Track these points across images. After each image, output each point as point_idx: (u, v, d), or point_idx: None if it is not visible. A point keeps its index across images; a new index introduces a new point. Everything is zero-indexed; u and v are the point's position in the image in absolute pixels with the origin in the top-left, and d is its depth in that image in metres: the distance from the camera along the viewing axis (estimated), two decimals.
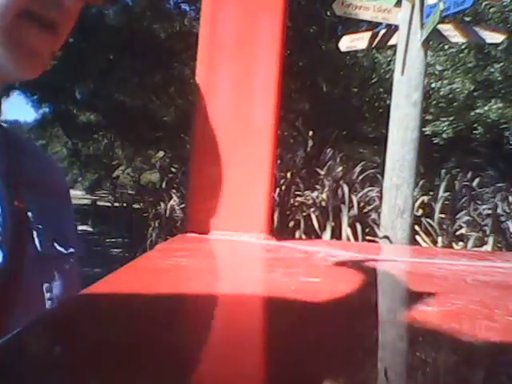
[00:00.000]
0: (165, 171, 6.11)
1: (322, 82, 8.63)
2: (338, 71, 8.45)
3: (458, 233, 4.26)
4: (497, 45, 6.77)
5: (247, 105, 0.84)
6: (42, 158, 0.79)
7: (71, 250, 0.65)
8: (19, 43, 0.51)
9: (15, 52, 0.51)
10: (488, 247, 3.91)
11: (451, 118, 9.42)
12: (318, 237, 4.02)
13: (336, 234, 4.06)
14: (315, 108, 8.30)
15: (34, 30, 0.52)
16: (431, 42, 3.86)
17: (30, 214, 0.59)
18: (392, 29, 3.50)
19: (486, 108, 9.09)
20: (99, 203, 12.77)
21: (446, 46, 8.72)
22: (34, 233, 0.59)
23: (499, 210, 4.51)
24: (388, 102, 3.98)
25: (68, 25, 0.56)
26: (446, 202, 4.50)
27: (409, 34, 3.14)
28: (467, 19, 7.44)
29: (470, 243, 3.99)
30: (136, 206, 7.01)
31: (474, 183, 5.20)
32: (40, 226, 0.60)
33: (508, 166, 8.95)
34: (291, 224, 4.31)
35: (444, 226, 4.24)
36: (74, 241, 0.67)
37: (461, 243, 4.13)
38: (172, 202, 5.04)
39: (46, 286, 0.58)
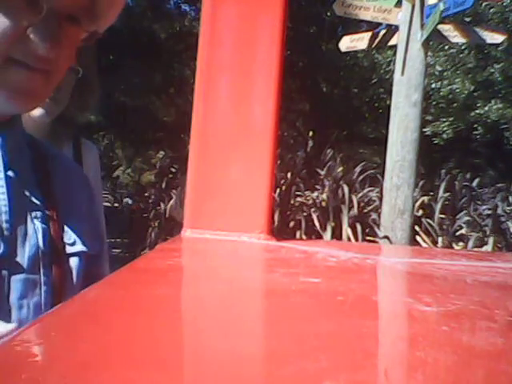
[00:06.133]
0: (165, 171, 6.11)
1: (321, 83, 8.63)
2: (338, 71, 8.45)
3: (458, 233, 4.26)
4: (497, 45, 6.77)
5: (247, 105, 0.84)
6: (67, 162, 0.88)
7: (80, 248, 0.65)
8: (7, 84, 0.54)
9: (4, 91, 0.55)
10: (488, 247, 3.90)
11: (451, 119, 9.42)
12: (319, 237, 4.02)
13: (336, 234, 4.05)
14: (315, 108, 8.29)
15: (21, 73, 0.54)
16: (431, 43, 3.86)
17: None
18: (392, 29, 3.50)
19: (486, 108, 9.09)
20: None
21: (446, 47, 8.72)
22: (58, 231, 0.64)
23: (499, 211, 4.51)
24: (388, 102, 3.98)
25: (60, 69, 0.59)
26: (446, 203, 4.49)
27: (409, 34, 3.14)
28: (467, 19, 7.44)
29: (470, 243, 3.99)
30: (136, 206, 7.02)
31: (474, 183, 5.20)
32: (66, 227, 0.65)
33: (508, 166, 8.95)
34: (291, 224, 4.31)
35: (444, 227, 4.24)
36: (90, 239, 0.68)
37: (461, 243, 4.13)
38: (172, 202, 5.04)
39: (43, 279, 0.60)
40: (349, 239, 3.95)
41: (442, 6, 2.80)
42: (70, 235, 0.65)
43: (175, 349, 0.30)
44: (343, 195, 4.28)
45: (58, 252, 0.62)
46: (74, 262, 0.65)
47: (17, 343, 0.28)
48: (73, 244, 0.65)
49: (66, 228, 0.65)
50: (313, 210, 4.29)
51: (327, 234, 4.06)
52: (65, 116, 1.05)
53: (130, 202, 7.57)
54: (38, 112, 0.96)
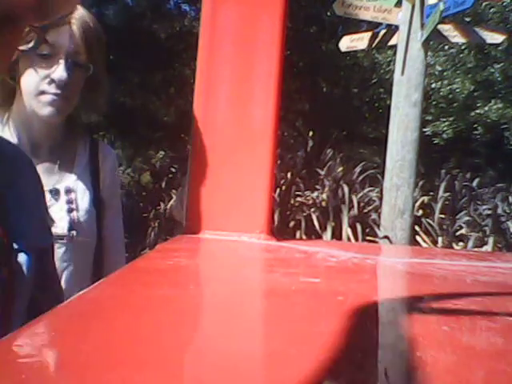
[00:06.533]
0: (165, 171, 6.11)
1: (322, 82, 8.62)
2: (338, 71, 8.44)
3: (458, 233, 4.25)
4: (497, 45, 6.77)
5: (247, 105, 0.84)
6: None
7: (28, 242, 0.62)
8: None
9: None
10: (488, 247, 3.90)
11: (451, 119, 9.42)
12: (319, 237, 4.02)
13: (336, 235, 4.05)
14: (315, 108, 8.29)
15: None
16: (431, 43, 3.86)
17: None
18: (392, 29, 3.50)
19: (486, 108, 9.09)
20: None
21: (446, 47, 8.72)
22: None
23: (499, 211, 4.51)
24: (388, 102, 3.97)
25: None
26: (446, 203, 4.49)
27: (409, 34, 3.13)
28: (467, 19, 7.44)
29: (470, 243, 3.99)
30: (136, 206, 7.01)
31: (474, 183, 5.20)
32: None
33: (508, 166, 8.95)
34: (291, 224, 4.31)
35: (444, 227, 4.24)
36: (37, 232, 0.67)
37: (461, 243, 4.13)
38: (172, 202, 5.04)
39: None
40: (349, 239, 3.95)
41: (441, 6, 2.80)
42: (16, 229, 0.61)
43: (175, 349, 0.30)
44: (343, 195, 4.28)
45: (3, 248, 0.59)
46: (22, 257, 0.62)
47: (17, 343, 0.28)
48: (19, 238, 0.61)
49: (12, 222, 0.61)
50: (313, 209, 4.29)
51: (327, 234, 4.05)
52: (75, 115, 1.02)
53: (129, 201, 7.57)
54: (46, 111, 0.93)
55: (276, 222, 4.13)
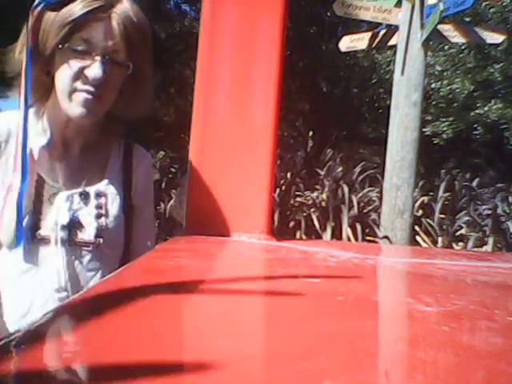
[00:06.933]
0: (165, 171, 6.10)
1: (322, 82, 8.62)
2: (338, 71, 8.44)
3: (458, 233, 4.25)
4: (497, 45, 6.77)
5: (247, 105, 0.84)
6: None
7: None
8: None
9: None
10: (488, 247, 3.90)
11: (451, 119, 9.42)
12: (319, 237, 4.02)
13: (336, 235, 4.05)
14: (315, 108, 8.29)
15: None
16: (431, 43, 3.86)
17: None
18: (392, 29, 3.50)
19: (486, 108, 9.10)
20: None
21: (446, 47, 8.73)
22: None
23: (499, 211, 4.51)
24: (388, 102, 3.97)
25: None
26: (446, 203, 4.49)
27: (409, 34, 3.13)
28: (467, 19, 7.44)
29: (470, 243, 3.99)
30: None
31: (474, 183, 5.19)
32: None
33: (508, 166, 8.95)
34: (291, 224, 4.31)
35: (444, 227, 4.24)
36: None
37: (461, 243, 4.13)
38: (172, 202, 5.04)
39: None
40: (349, 239, 3.95)
41: (441, 6, 2.80)
42: None
43: (176, 349, 0.30)
44: (343, 195, 4.28)
45: None
46: None
47: (18, 343, 0.28)
48: None
49: None
50: (313, 210, 4.29)
51: (327, 234, 4.05)
52: (111, 115, 0.94)
53: None
54: (78, 111, 0.87)
55: (276, 222, 4.13)
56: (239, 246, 0.77)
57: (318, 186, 4.65)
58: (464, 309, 0.41)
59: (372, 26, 3.71)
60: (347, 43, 3.66)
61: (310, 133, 6.69)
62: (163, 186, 5.73)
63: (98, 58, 0.85)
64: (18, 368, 0.25)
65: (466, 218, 4.35)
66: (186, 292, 0.45)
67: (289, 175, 4.74)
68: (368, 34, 3.63)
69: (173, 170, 6.02)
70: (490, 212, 4.48)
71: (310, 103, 8.68)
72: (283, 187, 4.57)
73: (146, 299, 0.40)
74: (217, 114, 0.84)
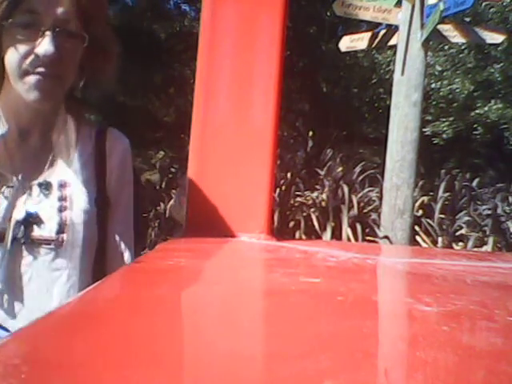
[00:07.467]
0: (165, 171, 6.10)
1: (322, 82, 8.62)
2: (338, 71, 8.44)
3: (457, 233, 4.25)
4: (497, 45, 6.77)
5: (247, 105, 0.84)
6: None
7: None
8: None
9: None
10: (488, 247, 3.90)
11: (451, 119, 9.42)
12: (319, 237, 4.02)
13: (336, 235, 4.05)
14: (315, 108, 8.29)
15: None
16: (431, 43, 3.86)
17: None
18: (392, 29, 3.50)
19: (486, 108, 9.10)
20: None
21: (446, 47, 8.72)
22: None
23: (499, 211, 4.51)
24: (388, 102, 3.97)
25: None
26: (446, 203, 4.49)
27: (409, 34, 3.13)
28: (467, 19, 7.44)
29: (470, 243, 3.99)
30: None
31: (474, 183, 5.19)
32: None
33: (508, 166, 8.95)
34: (291, 224, 4.31)
35: (444, 227, 4.24)
36: None
37: (461, 243, 4.13)
38: (172, 202, 5.04)
39: None
40: (349, 239, 3.95)
41: (441, 6, 2.80)
42: None
43: (175, 349, 0.30)
44: (343, 195, 4.28)
45: None
46: None
47: (17, 343, 0.28)
48: None
49: None
50: (312, 210, 4.29)
51: (327, 234, 4.05)
52: (74, 94, 0.84)
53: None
54: (32, 95, 0.76)
55: (276, 222, 4.12)
56: (239, 245, 0.77)
57: (317, 186, 4.65)
58: (464, 309, 0.41)
59: (372, 25, 3.71)
60: (347, 43, 3.66)
61: (310, 133, 6.70)
62: (163, 185, 5.73)
63: (47, 32, 0.74)
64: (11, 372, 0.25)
65: (466, 218, 4.35)
66: (186, 292, 0.45)
67: (289, 175, 4.74)
68: (368, 34, 3.63)
69: (173, 169, 6.02)
70: (489, 212, 4.48)
71: (309, 103, 8.68)
72: (283, 187, 4.57)
73: (146, 299, 0.39)
74: (217, 114, 0.84)
